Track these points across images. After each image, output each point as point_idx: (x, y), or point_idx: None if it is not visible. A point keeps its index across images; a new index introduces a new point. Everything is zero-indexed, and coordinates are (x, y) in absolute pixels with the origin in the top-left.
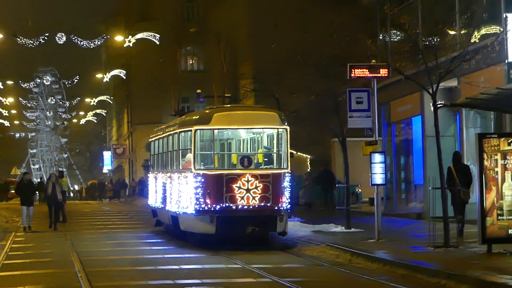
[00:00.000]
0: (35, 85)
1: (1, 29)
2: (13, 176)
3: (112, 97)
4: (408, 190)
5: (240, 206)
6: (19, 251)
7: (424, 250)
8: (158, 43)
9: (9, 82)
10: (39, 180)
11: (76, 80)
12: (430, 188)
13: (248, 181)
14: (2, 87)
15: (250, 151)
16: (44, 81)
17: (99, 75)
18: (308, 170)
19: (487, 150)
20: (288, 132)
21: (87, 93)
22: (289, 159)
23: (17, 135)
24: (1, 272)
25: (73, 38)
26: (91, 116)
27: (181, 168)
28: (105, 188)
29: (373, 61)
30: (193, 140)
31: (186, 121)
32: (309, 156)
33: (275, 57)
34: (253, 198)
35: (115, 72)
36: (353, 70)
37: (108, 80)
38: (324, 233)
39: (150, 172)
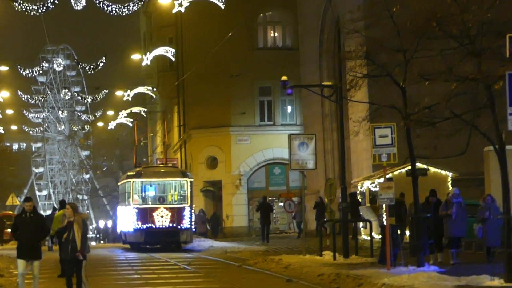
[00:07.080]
0: (41, 71)
1: None
2: (10, 207)
3: (155, 89)
4: None
5: (157, 226)
6: None
7: None
8: (223, 6)
9: (3, 68)
10: (49, 212)
11: (101, 64)
12: None
13: (162, 211)
14: None
15: (165, 193)
16: (55, 65)
17: (135, 56)
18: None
19: None
20: (188, 182)
21: (117, 83)
22: (189, 198)
23: (15, 146)
24: None
25: (97, 1)
26: (125, 117)
27: (127, 204)
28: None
29: None
30: (131, 186)
31: (129, 175)
32: (450, 174)
33: (397, 26)
34: (165, 221)
35: (160, 51)
36: None
37: (149, 63)
38: None
39: (118, 206)
